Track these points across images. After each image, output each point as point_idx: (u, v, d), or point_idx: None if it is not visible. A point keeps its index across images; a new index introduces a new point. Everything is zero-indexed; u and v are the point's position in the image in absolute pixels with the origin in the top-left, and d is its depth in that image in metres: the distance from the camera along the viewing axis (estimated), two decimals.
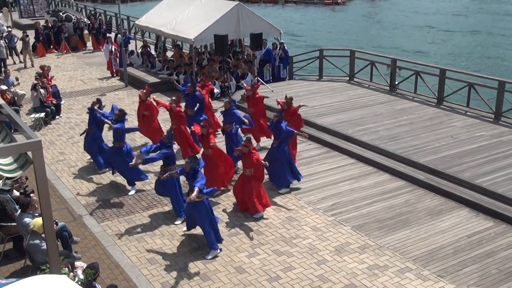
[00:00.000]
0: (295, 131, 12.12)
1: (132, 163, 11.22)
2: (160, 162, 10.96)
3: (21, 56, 24.93)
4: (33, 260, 8.59)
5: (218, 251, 9.62)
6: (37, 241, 8.43)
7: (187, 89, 14.55)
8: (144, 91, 14.46)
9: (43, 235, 8.47)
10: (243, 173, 10.94)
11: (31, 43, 25.25)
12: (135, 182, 12.11)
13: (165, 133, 11.31)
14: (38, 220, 8.52)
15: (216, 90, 18.75)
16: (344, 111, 16.76)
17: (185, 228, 10.29)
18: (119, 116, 12.20)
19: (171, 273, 9.05)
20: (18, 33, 27.14)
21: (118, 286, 7.84)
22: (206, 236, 9.57)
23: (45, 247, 8.24)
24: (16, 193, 10.46)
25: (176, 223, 10.66)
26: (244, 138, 11.44)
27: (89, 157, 13.58)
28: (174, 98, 13.64)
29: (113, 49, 22.60)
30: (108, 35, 26.03)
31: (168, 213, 11.01)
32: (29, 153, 6.96)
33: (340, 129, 15.13)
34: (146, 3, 57.11)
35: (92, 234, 10.29)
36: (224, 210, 11.19)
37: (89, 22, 29.28)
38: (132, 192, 11.98)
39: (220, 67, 19.98)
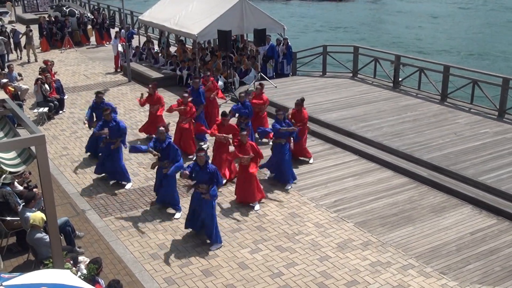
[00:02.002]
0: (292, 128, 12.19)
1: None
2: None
3: (24, 51, 24.90)
4: (36, 254, 8.60)
5: (221, 245, 9.69)
6: (40, 235, 8.44)
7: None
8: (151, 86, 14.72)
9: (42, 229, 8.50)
10: (242, 163, 11.07)
11: (35, 38, 25.25)
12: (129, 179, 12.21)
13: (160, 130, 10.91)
14: (37, 214, 8.54)
15: (220, 83, 18.74)
16: (348, 108, 16.72)
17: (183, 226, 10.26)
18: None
19: (174, 268, 9.06)
20: (21, 27, 27.15)
21: (121, 281, 7.83)
22: (210, 229, 9.62)
23: (48, 239, 8.26)
24: (19, 187, 10.48)
25: (176, 217, 10.72)
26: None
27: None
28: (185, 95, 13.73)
29: (119, 46, 22.50)
30: (116, 30, 25.96)
31: (170, 208, 10.99)
32: (33, 148, 6.97)
33: (343, 125, 15.10)
34: None
35: (95, 229, 10.31)
36: (226, 207, 11.19)
37: (92, 17, 29.25)
38: (128, 186, 12.02)
39: (224, 63, 19.95)
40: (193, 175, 9.68)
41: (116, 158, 12.07)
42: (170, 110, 13.67)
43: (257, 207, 11.05)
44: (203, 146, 11.82)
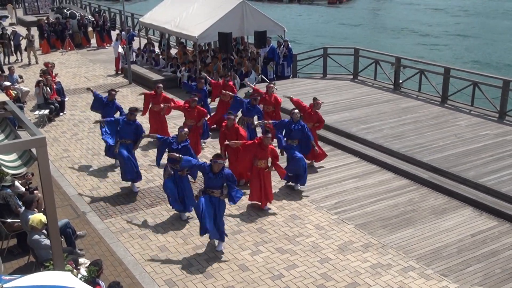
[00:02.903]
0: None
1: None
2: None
3: (25, 54, 24.91)
4: (36, 256, 8.61)
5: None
6: (37, 237, 8.45)
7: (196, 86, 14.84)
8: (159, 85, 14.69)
9: (43, 231, 8.50)
10: (258, 165, 10.94)
11: (36, 40, 25.28)
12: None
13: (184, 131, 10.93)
14: (37, 216, 8.55)
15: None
16: (349, 109, 16.73)
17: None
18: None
19: (175, 271, 9.06)
20: (22, 30, 27.19)
21: (121, 283, 7.83)
22: (223, 228, 9.66)
23: (46, 242, 8.27)
24: (21, 188, 10.48)
25: (183, 218, 10.73)
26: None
27: (93, 154, 13.70)
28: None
29: (120, 48, 22.51)
30: (117, 32, 25.99)
31: (171, 210, 10.98)
32: (33, 150, 6.98)
33: (344, 127, 15.10)
34: (150, 0, 57.06)
35: (95, 231, 10.31)
36: (227, 208, 11.16)
37: (93, 19, 29.30)
38: (135, 189, 11.99)
39: (224, 65, 19.97)
40: (205, 180, 9.58)
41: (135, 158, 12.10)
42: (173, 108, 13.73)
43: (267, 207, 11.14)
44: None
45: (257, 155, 10.92)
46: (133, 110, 12.07)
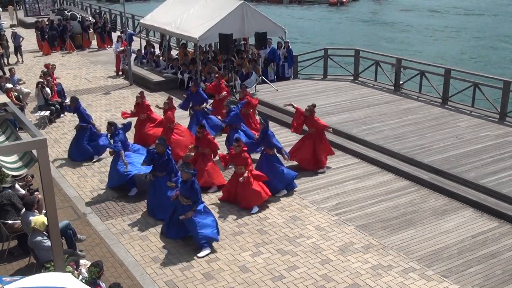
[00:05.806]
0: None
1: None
2: None
3: (20, 57, 24.93)
4: (37, 257, 8.61)
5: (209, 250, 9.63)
6: (39, 238, 8.45)
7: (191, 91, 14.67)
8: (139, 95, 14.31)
9: (44, 232, 8.52)
10: (235, 171, 11.20)
11: (33, 41, 25.27)
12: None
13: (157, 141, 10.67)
14: (39, 218, 8.56)
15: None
16: (349, 111, 16.73)
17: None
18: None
19: (175, 272, 9.06)
20: (23, 31, 27.25)
21: (122, 284, 7.84)
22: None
23: (47, 244, 8.28)
24: (21, 190, 10.50)
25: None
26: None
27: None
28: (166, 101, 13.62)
29: (120, 48, 22.53)
30: (118, 34, 26.00)
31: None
32: (34, 151, 6.98)
33: (344, 128, 15.10)
34: (151, 2, 57.13)
35: (96, 233, 10.31)
36: (228, 210, 11.19)
37: (93, 20, 29.34)
38: (132, 193, 11.85)
39: (225, 66, 19.97)
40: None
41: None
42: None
43: (255, 209, 11.06)
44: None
45: (234, 162, 11.23)
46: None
